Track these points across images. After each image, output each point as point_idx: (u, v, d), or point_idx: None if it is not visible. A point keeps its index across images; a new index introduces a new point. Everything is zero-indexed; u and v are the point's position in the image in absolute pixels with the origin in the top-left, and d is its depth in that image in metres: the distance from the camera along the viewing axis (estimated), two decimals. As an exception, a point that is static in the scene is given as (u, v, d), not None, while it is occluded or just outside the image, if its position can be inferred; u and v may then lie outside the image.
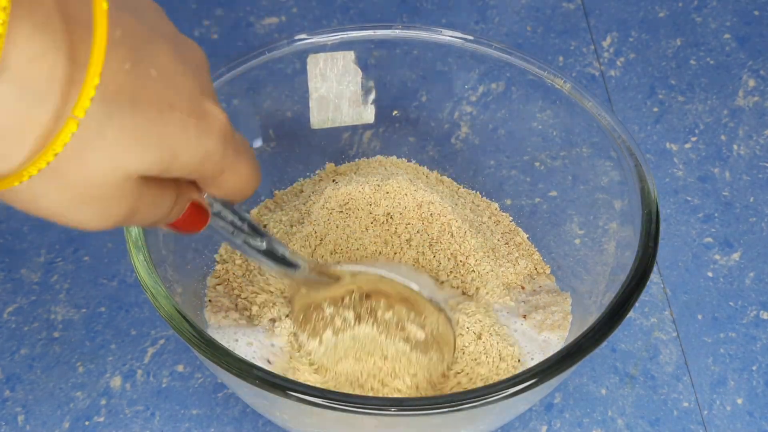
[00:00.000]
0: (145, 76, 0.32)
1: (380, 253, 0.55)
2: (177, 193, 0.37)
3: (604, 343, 0.45)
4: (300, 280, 0.49)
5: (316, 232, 0.55)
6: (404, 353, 0.50)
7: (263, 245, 0.45)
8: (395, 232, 0.55)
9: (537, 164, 0.58)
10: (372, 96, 0.60)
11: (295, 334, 0.51)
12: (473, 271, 0.54)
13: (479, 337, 0.52)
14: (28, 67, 0.29)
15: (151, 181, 0.34)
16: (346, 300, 0.51)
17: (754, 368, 0.58)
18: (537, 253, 0.58)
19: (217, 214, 0.41)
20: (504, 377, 0.49)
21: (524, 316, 0.54)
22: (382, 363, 0.50)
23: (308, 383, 0.44)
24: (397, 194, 0.56)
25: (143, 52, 0.32)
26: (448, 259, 0.55)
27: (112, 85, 0.31)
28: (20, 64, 0.29)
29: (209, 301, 0.54)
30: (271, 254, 0.46)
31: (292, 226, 0.56)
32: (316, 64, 0.57)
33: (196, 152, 0.34)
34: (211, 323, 0.52)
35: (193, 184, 0.38)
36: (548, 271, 0.57)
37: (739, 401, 0.57)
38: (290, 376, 0.48)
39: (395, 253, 0.55)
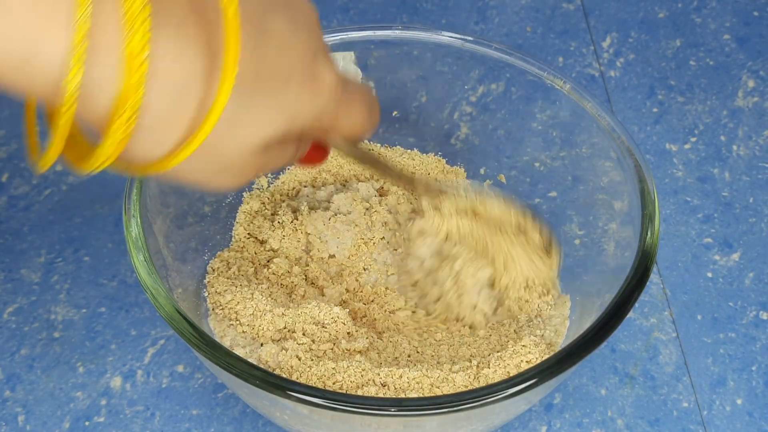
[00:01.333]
0: (265, 52, 0.35)
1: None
2: (299, 142, 0.40)
3: (604, 344, 0.45)
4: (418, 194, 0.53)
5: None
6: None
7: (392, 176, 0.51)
8: None
9: (537, 165, 0.58)
10: (372, 96, 0.60)
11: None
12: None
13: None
14: (171, 66, 0.32)
15: (275, 141, 0.37)
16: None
17: (753, 368, 0.58)
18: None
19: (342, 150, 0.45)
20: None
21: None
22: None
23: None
24: None
25: (263, 28, 0.35)
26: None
27: (240, 67, 0.33)
28: (165, 64, 0.32)
29: (212, 310, 0.54)
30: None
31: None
32: (316, 65, 0.57)
33: (311, 113, 0.37)
34: (216, 332, 0.52)
35: None
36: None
37: (739, 401, 0.57)
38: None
39: None
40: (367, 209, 0.57)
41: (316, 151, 0.44)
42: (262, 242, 0.57)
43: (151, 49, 0.31)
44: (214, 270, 0.55)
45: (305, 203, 0.58)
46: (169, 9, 0.32)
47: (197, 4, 0.33)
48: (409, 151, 0.61)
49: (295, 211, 0.57)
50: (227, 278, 0.55)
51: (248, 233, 0.57)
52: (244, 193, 0.59)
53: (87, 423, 0.55)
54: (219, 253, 0.56)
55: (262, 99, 0.35)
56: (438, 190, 0.53)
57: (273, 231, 0.57)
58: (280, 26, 0.36)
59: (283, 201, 0.59)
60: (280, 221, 0.57)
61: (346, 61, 0.58)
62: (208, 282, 0.55)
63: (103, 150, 0.33)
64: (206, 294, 0.54)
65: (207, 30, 0.33)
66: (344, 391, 0.48)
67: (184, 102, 0.33)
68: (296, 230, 0.57)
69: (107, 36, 0.30)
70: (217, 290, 0.54)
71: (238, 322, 0.53)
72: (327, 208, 0.57)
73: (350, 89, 0.40)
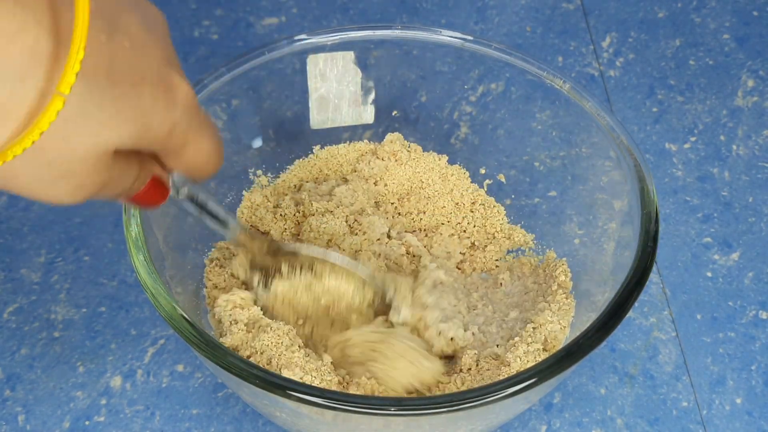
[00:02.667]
0: (118, 49, 0.32)
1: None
2: (140, 167, 0.37)
3: (604, 343, 0.45)
4: (257, 251, 0.51)
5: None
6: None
7: (226, 229, 0.48)
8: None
9: (536, 164, 0.58)
10: (371, 96, 0.60)
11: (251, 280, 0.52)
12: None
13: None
14: (9, 44, 0.29)
15: (119, 155, 0.34)
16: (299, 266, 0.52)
17: (753, 368, 0.58)
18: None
19: (183, 193, 0.42)
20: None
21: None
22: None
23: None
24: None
25: (116, 23, 0.32)
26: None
27: (90, 59, 0.30)
28: (1, 41, 0.28)
29: (210, 305, 0.54)
30: (231, 231, 0.48)
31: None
32: (315, 65, 0.57)
33: (165, 123, 0.34)
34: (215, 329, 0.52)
35: (155, 158, 0.38)
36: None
37: (738, 401, 0.57)
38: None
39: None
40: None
41: (153, 189, 0.39)
42: (264, 234, 0.57)
43: None
44: (212, 261, 0.55)
45: (307, 196, 0.58)
46: None
47: None
48: (412, 144, 0.61)
49: (298, 204, 0.58)
50: (224, 268, 0.55)
51: (250, 225, 0.57)
52: (243, 191, 0.59)
53: (87, 422, 0.55)
54: (217, 242, 0.56)
55: (112, 101, 0.32)
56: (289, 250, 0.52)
57: (275, 223, 0.57)
58: (134, 26, 0.33)
59: (286, 194, 0.59)
60: (283, 214, 0.57)
61: (345, 61, 0.58)
62: (206, 275, 0.55)
63: None
64: (205, 295, 0.54)
65: (55, 11, 0.30)
66: (345, 391, 0.48)
67: (21, 87, 0.29)
68: (299, 223, 0.57)
69: None
70: (215, 284, 0.54)
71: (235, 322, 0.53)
72: (329, 201, 0.58)
73: (203, 116, 0.37)
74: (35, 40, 0.29)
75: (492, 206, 0.60)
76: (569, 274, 0.54)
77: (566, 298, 0.53)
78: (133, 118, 0.33)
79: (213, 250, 0.56)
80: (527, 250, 0.59)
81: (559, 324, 0.51)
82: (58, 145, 0.31)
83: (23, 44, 0.29)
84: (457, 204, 0.60)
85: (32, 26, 0.29)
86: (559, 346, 0.51)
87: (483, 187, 0.61)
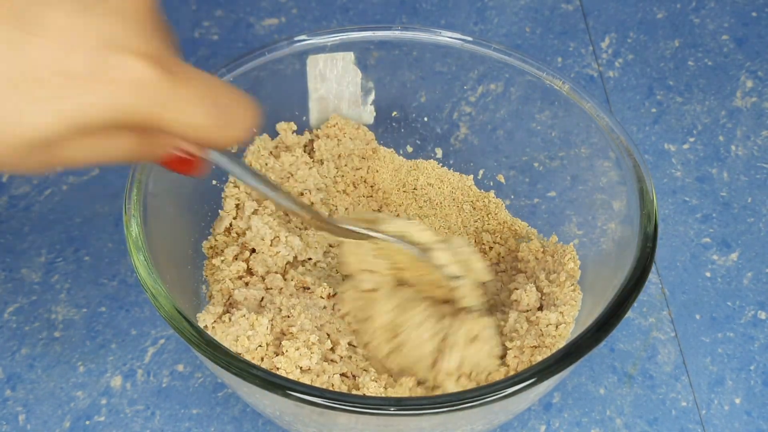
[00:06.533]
0: (28, 52, 0.32)
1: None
2: (140, 141, 0.36)
3: (603, 343, 0.45)
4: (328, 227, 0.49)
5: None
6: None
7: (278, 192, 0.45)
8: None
9: (536, 165, 0.58)
10: (371, 97, 0.60)
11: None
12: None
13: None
14: None
15: (59, 139, 0.34)
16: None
17: (751, 368, 0.58)
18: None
19: (218, 162, 0.40)
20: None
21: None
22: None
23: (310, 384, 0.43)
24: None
25: (29, 21, 0.32)
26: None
27: None
28: None
29: (210, 295, 0.54)
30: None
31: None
32: (315, 65, 0.57)
33: (109, 108, 0.33)
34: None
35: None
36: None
37: (737, 401, 0.57)
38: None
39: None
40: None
41: (177, 159, 0.38)
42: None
43: None
44: (211, 247, 0.55)
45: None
46: None
47: None
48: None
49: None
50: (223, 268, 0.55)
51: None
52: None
53: (87, 422, 0.55)
54: (212, 231, 0.56)
55: (19, 96, 0.32)
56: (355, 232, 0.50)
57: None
58: (60, 19, 0.33)
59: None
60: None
61: (345, 62, 0.58)
62: (206, 275, 0.55)
63: None
64: (204, 292, 0.54)
65: None
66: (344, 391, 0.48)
67: None
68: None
69: None
70: (216, 278, 0.54)
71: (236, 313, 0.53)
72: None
73: (183, 81, 0.35)
74: None
75: (492, 201, 0.60)
76: (578, 262, 0.54)
77: (573, 290, 0.53)
78: (58, 112, 0.33)
79: (209, 238, 0.56)
80: (533, 238, 0.58)
81: (563, 318, 0.52)
82: None
83: None
84: (455, 200, 0.60)
85: None
86: (564, 342, 0.51)
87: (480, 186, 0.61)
